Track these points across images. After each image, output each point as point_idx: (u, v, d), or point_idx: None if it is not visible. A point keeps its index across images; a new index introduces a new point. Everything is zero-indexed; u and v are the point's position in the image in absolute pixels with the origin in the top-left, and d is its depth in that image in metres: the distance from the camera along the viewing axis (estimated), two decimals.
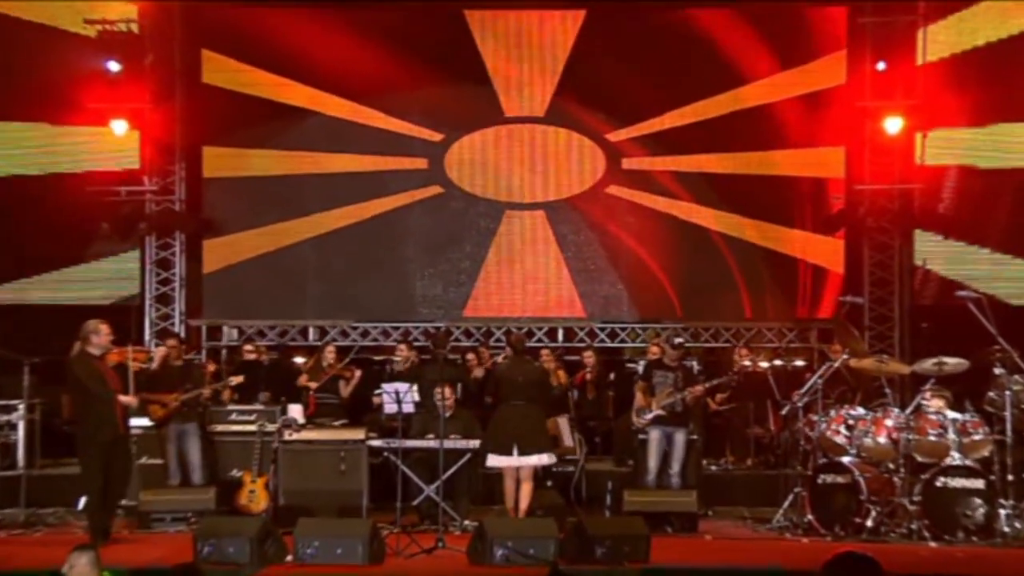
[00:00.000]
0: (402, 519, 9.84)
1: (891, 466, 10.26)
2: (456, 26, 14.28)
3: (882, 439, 10.30)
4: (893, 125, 13.49)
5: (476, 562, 8.89)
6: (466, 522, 10.30)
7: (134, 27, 13.68)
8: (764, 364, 12.38)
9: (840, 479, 10.10)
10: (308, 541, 8.84)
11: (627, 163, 14.44)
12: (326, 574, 8.67)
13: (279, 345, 14.13)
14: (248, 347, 13.02)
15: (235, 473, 10.94)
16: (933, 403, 10.33)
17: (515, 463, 10.10)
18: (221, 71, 14.28)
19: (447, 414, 10.44)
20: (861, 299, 13.81)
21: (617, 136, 14.42)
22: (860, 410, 10.64)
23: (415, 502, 10.51)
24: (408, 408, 10.52)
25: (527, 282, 14.46)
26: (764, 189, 14.26)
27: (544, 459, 10.25)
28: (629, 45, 14.22)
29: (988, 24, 13.79)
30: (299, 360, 13.15)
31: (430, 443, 10.47)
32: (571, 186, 14.45)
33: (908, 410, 10.35)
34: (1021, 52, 13.74)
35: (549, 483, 11.21)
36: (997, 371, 10.20)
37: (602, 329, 14.46)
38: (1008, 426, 9.98)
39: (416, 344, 13.09)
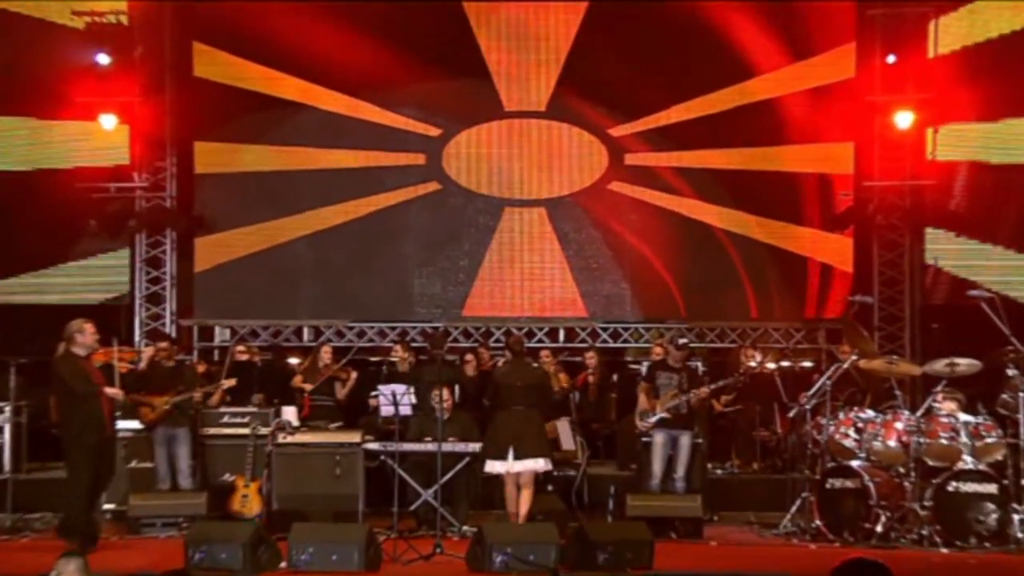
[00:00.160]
0: (399, 524, 9.76)
1: (901, 470, 10.18)
2: (454, 17, 14.20)
3: (892, 442, 10.24)
4: (903, 120, 13.45)
5: (475, 568, 8.84)
6: (465, 527, 10.28)
7: (123, 19, 13.64)
8: (771, 365, 12.31)
9: (849, 483, 10.04)
10: (303, 547, 8.80)
11: (630, 159, 14.39)
12: None
13: (273, 346, 14.12)
14: (239, 348, 13.00)
15: (227, 477, 10.87)
16: (945, 405, 10.28)
17: (510, 467, 10.06)
18: (213, 64, 14.22)
19: (445, 416, 10.39)
20: (870, 298, 13.69)
21: (620, 131, 14.35)
22: (870, 412, 10.60)
23: (412, 507, 10.44)
24: (405, 410, 10.47)
25: (527, 281, 14.38)
26: (770, 185, 14.20)
27: (540, 464, 10.19)
28: (633, 37, 14.13)
29: (1001, 15, 13.75)
30: (293, 361, 13.13)
31: (428, 446, 10.43)
32: (572, 182, 14.38)
33: (919, 413, 10.30)
34: None
35: (550, 487, 11.18)
36: (1010, 372, 10.12)
37: (604, 329, 14.40)
38: (1022, 429, 9.90)
39: (413, 345, 13.05)
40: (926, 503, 9.80)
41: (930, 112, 13.46)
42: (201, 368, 12.20)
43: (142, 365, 11.00)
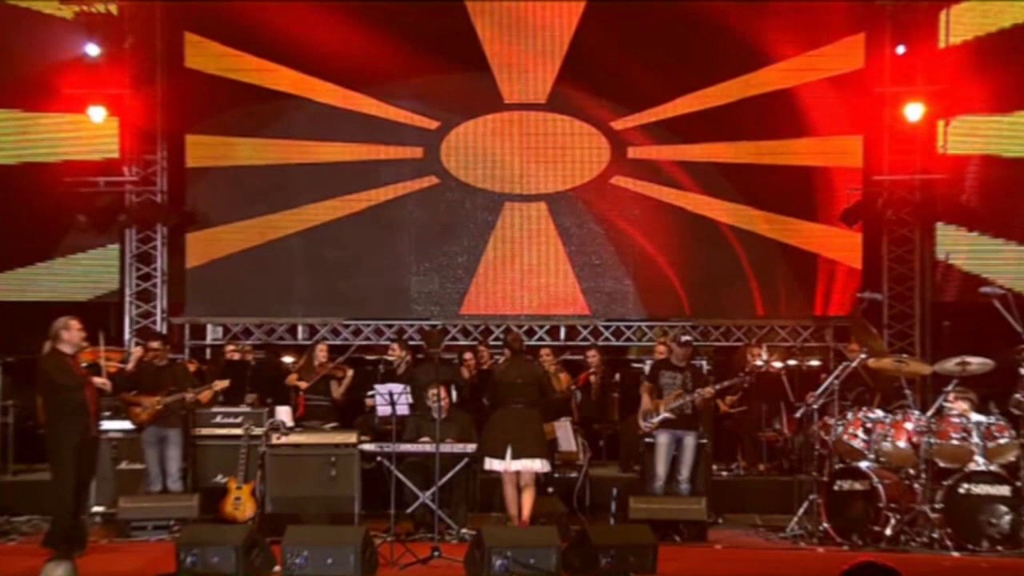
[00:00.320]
0: (396, 527, 9.73)
1: (911, 472, 10.11)
2: (453, 7, 14.18)
3: (902, 443, 10.18)
4: (914, 112, 13.39)
5: (473, 572, 8.76)
6: (463, 530, 10.21)
7: (113, 8, 13.59)
8: (777, 364, 12.25)
9: (858, 485, 9.98)
10: (297, 550, 8.66)
11: (633, 152, 14.35)
12: None
13: (266, 344, 14.10)
14: (230, 347, 13.04)
15: (220, 479, 10.79)
16: (956, 405, 10.22)
17: (507, 466, 10.01)
18: (205, 55, 14.21)
19: (442, 416, 10.30)
20: (880, 295, 13.64)
21: (622, 124, 14.31)
22: (879, 412, 10.53)
23: (409, 509, 10.36)
24: (402, 410, 10.37)
25: (527, 277, 14.37)
26: (777, 179, 14.17)
27: (536, 465, 10.12)
28: (635, 27, 14.12)
29: (1014, 5, 13.74)
30: (288, 360, 13.14)
31: (425, 447, 10.36)
32: (574, 176, 14.35)
33: (929, 412, 10.24)
34: None
35: (551, 490, 11.16)
36: (1023, 371, 9.98)
37: (606, 327, 14.38)
38: None
39: (411, 343, 13.02)
40: (937, 505, 9.73)
41: (941, 104, 13.45)
42: (192, 367, 12.15)
43: (130, 366, 10.94)
